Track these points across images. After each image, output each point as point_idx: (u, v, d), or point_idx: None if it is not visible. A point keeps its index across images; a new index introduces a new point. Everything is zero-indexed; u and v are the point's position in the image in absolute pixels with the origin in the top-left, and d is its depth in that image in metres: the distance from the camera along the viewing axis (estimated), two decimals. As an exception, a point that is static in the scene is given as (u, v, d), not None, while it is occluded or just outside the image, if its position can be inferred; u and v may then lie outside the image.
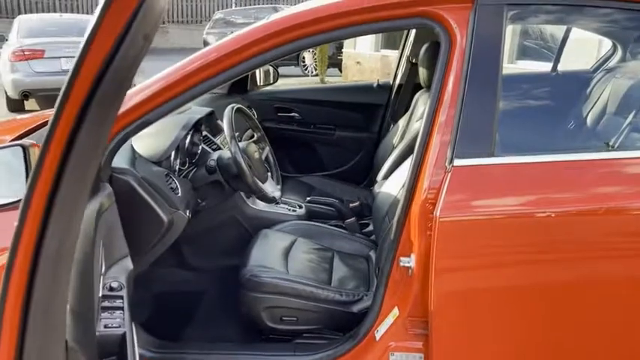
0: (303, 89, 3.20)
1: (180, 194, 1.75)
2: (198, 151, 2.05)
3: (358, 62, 9.43)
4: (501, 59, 1.48)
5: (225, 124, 1.84)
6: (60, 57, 7.43)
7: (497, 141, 1.45)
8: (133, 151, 1.74)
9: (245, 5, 18.20)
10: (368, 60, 9.04)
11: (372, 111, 3.05)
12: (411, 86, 2.92)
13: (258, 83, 3.14)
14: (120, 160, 1.65)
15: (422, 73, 2.45)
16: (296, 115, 3.08)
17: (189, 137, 2.00)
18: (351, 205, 2.53)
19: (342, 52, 10.13)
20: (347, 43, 9.66)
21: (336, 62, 10.36)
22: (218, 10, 16.79)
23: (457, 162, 1.45)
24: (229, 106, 1.93)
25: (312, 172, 3.06)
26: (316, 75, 10.16)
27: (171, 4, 17.89)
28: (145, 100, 1.51)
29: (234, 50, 1.48)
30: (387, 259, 1.53)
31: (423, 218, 1.46)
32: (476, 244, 1.43)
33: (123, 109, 1.50)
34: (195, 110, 2.35)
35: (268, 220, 2.31)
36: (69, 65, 7.55)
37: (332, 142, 3.10)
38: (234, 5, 19.94)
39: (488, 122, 1.47)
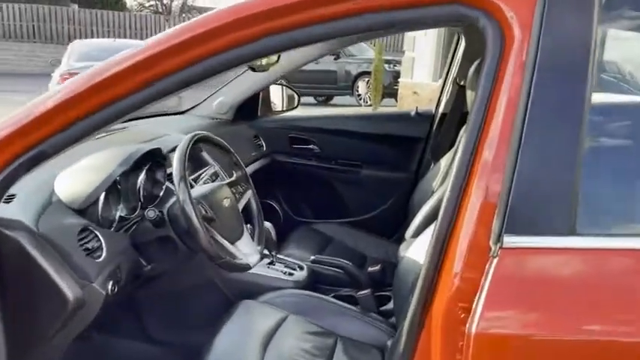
0: (324, 117, 2.64)
1: (103, 258, 1.22)
2: (161, 193, 1.52)
3: (415, 92, 8.82)
4: (590, 75, 0.86)
5: (175, 160, 1.30)
6: (107, 81, 7.36)
7: (580, 209, 0.83)
8: (51, 194, 1.24)
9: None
10: (425, 90, 8.41)
11: (408, 145, 2.44)
12: (457, 115, 2.30)
13: (274, 108, 2.62)
14: (18, 208, 1.15)
15: (471, 98, 1.82)
16: (314, 147, 2.52)
17: (142, 174, 1.48)
18: (370, 269, 1.92)
19: (398, 82, 9.57)
20: (404, 72, 9.09)
21: (392, 92, 9.79)
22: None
23: (509, 240, 0.85)
24: (188, 136, 1.40)
25: (331, 218, 2.48)
26: (370, 105, 9.62)
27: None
28: (35, 122, 1.00)
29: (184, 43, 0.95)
30: None
31: (448, 328, 0.87)
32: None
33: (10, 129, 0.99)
34: (169, 140, 1.84)
35: (255, 286, 1.74)
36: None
37: (357, 182, 2.51)
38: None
39: (565, 175, 0.86)
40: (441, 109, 2.39)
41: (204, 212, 1.33)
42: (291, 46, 0.99)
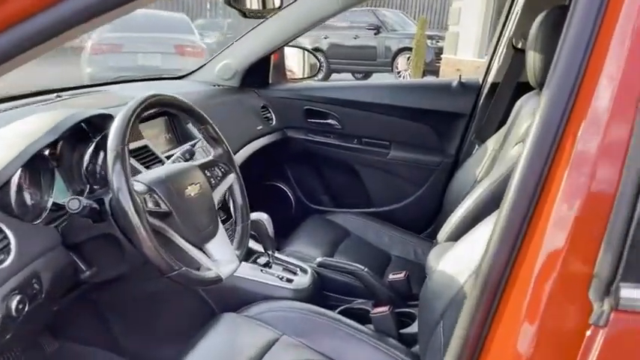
0: (347, 86, 2.21)
1: (8, 262, 0.87)
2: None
3: (458, 69, 8.22)
4: None
5: (112, 128, 0.93)
6: (137, 52, 7.13)
7: None
8: None
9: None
10: (469, 67, 7.81)
11: (448, 122, 2.00)
12: (511, 86, 1.85)
13: (289, 75, 2.22)
14: None
15: (533, 63, 1.36)
16: (334, 122, 2.11)
17: (90, 149, 1.12)
18: (391, 276, 1.52)
19: (440, 59, 8.97)
20: (447, 47, 8.50)
21: (433, 70, 9.20)
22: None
23: (628, 296, 0.44)
24: (138, 96, 1.01)
25: (351, 207, 2.08)
26: (410, 83, 9.06)
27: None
28: None
29: None
30: None
31: None
32: None
33: None
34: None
35: (245, 293, 1.38)
36: (145, 61, 7.31)
37: (384, 165, 2.09)
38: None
39: None
40: (490, 79, 1.93)
41: (152, 205, 0.96)
42: None
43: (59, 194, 1.07)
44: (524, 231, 0.53)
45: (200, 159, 1.20)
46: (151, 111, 1.13)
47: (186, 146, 1.29)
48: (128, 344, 1.47)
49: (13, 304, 0.87)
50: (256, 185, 1.95)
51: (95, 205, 0.96)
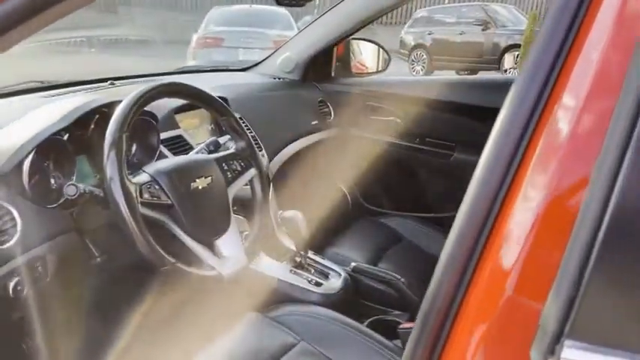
0: (413, 81, 2.08)
1: (11, 243, 0.90)
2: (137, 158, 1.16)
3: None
4: None
5: (113, 117, 0.92)
6: (238, 47, 7.37)
7: None
8: None
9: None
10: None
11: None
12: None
13: (359, 70, 2.13)
14: None
15: None
16: (397, 120, 1.99)
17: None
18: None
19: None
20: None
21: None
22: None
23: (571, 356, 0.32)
24: (146, 85, 0.99)
25: (409, 210, 1.96)
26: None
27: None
28: None
29: None
30: None
31: None
32: None
33: None
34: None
35: (271, 293, 1.33)
36: (247, 56, 7.53)
37: (447, 168, 1.94)
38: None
39: None
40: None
41: (149, 196, 0.94)
42: None
43: (85, 179, 1.09)
44: (471, 259, 0.42)
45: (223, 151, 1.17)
46: (176, 100, 1.11)
47: (214, 138, 1.26)
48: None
49: (11, 286, 0.89)
50: (309, 181, 1.89)
51: (97, 192, 0.96)
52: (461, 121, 1.88)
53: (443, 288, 0.46)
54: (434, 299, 0.47)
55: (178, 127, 1.34)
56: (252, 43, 7.37)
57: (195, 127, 1.49)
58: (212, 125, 1.55)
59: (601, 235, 0.33)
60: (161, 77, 1.80)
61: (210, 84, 1.70)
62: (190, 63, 7.44)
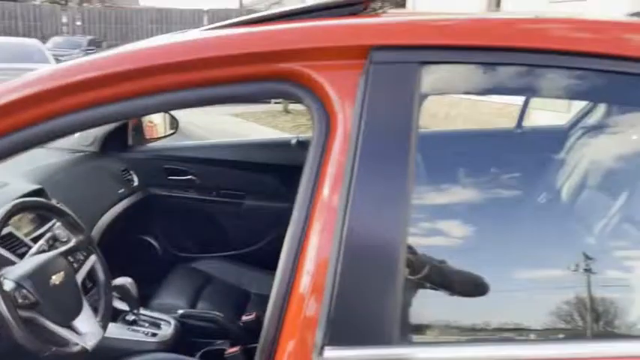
0: (202, 146, 2.50)
1: None
2: None
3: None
4: (412, 156, 0.82)
5: None
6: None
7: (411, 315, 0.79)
8: None
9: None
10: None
11: (290, 175, 2.34)
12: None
13: (147, 136, 2.42)
14: None
15: None
16: (193, 178, 2.36)
17: None
18: (244, 318, 1.80)
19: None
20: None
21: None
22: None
23: (331, 355, 0.79)
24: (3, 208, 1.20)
25: (215, 252, 2.34)
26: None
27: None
28: None
29: None
30: None
31: None
32: None
33: None
34: (7, 191, 1.62)
35: (113, 351, 1.57)
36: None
37: (241, 213, 2.38)
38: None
39: (391, 279, 0.81)
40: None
41: (21, 300, 1.15)
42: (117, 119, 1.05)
43: None
44: (281, 316, 0.84)
45: (62, 244, 1.39)
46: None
47: (48, 233, 1.46)
48: None
49: None
50: (125, 243, 2.12)
51: None
52: (246, 175, 2.35)
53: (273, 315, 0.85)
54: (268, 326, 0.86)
55: (7, 225, 1.49)
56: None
57: (18, 219, 1.63)
58: (31, 214, 1.70)
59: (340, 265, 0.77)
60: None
61: (20, 170, 1.84)
62: None
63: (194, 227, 2.38)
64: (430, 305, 0.84)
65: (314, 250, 0.84)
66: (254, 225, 2.36)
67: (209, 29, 0.99)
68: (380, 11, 0.99)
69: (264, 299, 2.04)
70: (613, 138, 1.26)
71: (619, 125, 1.15)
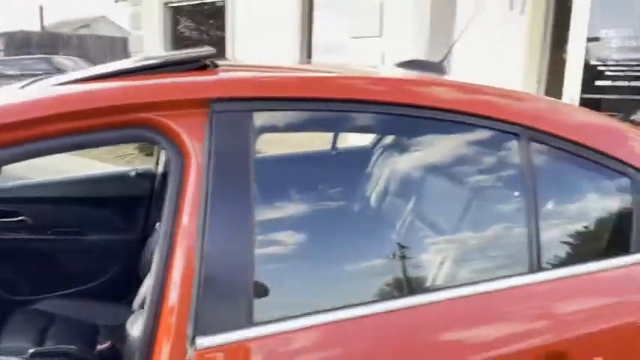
0: (29, 185, 2.44)
1: None
2: None
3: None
4: (252, 181, 1.07)
5: None
6: None
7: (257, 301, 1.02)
8: None
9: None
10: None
11: (131, 206, 2.43)
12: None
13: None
14: None
15: None
16: (25, 218, 2.30)
17: None
18: (98, 347, 1.86)
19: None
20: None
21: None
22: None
23: (201, 342, 0.97)
24: None
25: (57, 290, 2.30)
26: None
27: None
28: None
29: None
30: None
31: None
32: None
33: None
34: None
35: None
36: None
37: (83, 248, 2.38)
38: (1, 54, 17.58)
39: (242, 270, 1.04)
40: (160, 169, 2.45)
41: None
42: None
43: None
44: (158, 309, 1.02)
45: None
46: None
47: None
48: None
49: None
50: None
51: None
52: (86, 210, 2.37)
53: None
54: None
55: None
56: None
57: None
58: None
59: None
60: None
61: None
62: None
63: (29, 269, 2.31)
64: (275, 294, 1.11)
65: (180, 265, 1.04)
66: (97, 259, 2.38)
67: (63, 83, 1.13)
68: (219, 67, 1.23)
69: (114, 329, 2.11)
70: (400, 155, 1.71)
71: (401, 146, 1.58)
